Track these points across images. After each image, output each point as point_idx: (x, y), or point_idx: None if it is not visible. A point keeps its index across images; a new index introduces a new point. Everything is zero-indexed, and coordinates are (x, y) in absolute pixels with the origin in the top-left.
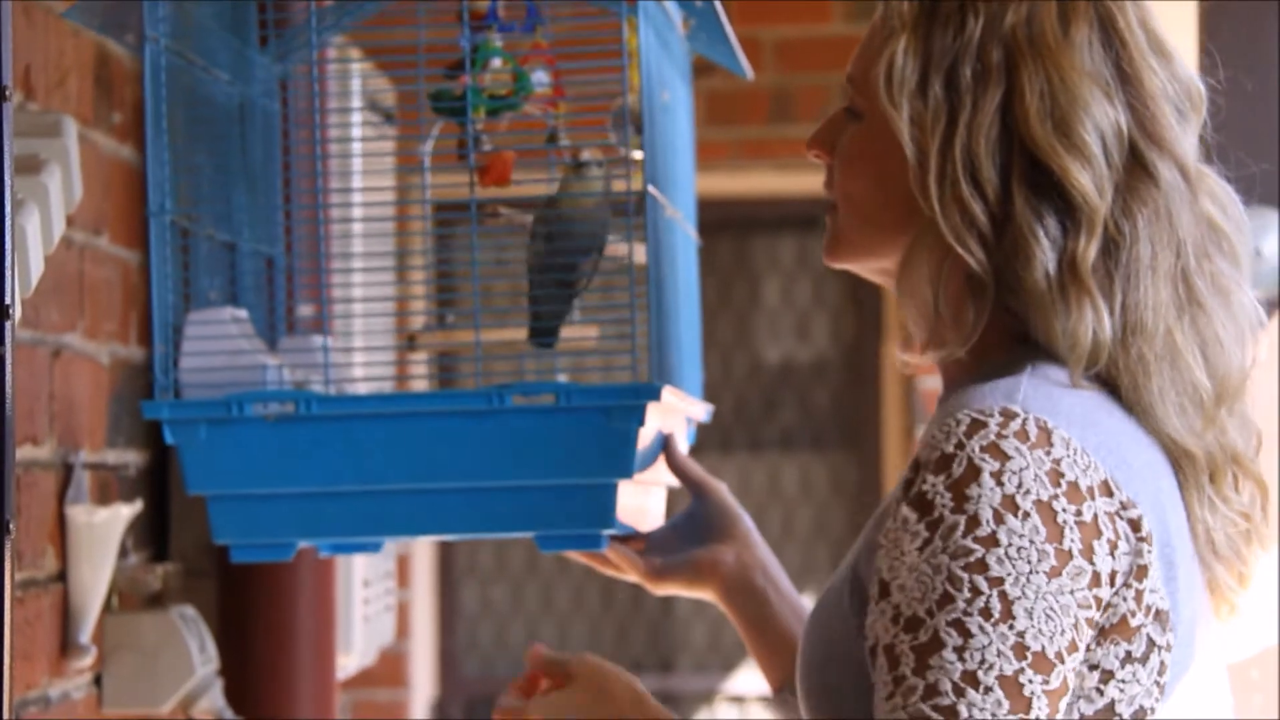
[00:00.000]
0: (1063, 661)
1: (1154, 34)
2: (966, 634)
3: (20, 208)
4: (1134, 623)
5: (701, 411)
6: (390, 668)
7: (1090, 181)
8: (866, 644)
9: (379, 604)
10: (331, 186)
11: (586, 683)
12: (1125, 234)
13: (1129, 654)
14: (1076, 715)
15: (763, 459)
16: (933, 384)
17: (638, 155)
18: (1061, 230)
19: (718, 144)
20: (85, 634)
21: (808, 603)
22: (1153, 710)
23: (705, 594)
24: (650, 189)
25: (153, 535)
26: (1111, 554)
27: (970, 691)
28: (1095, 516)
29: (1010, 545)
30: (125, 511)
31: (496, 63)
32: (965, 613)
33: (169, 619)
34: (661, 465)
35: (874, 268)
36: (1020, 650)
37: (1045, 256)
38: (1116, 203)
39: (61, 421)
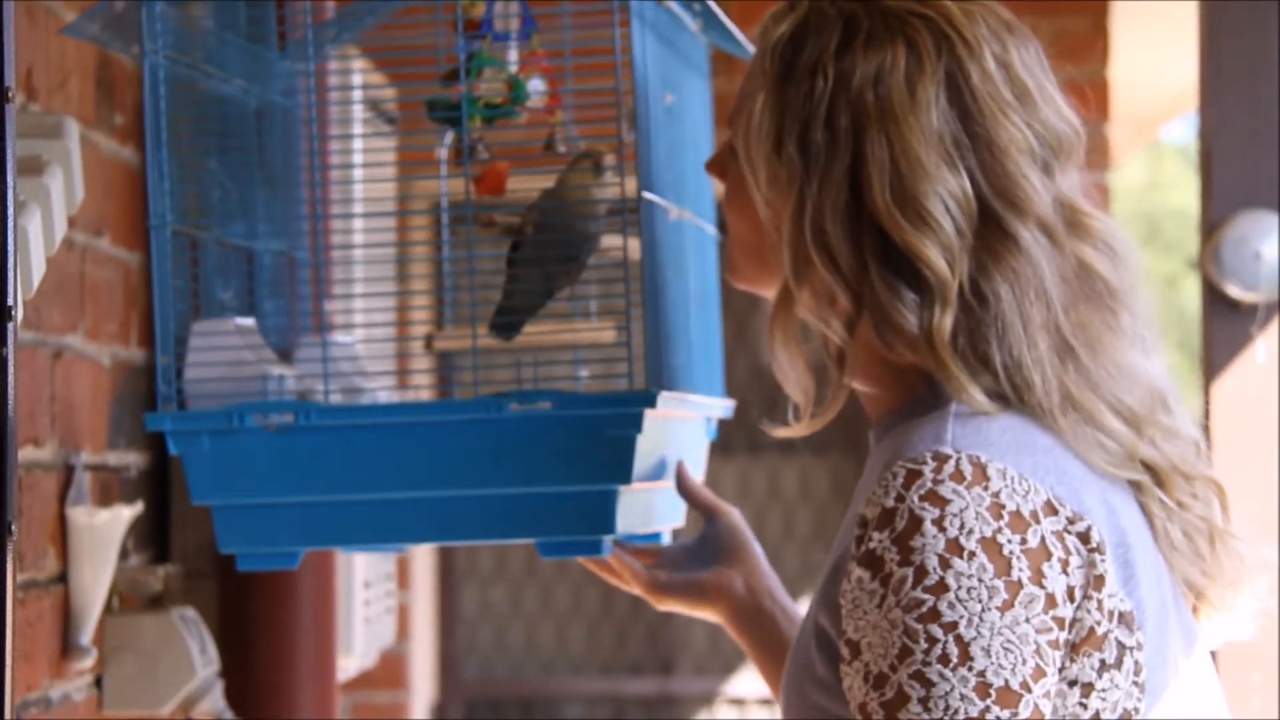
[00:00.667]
0: (1029, 690)
1: (1016, 77)
2: (928, 684)
3: (22, 209)
4: (1100, 631)
5: (720, 409)
6: (390, 670)
7: (938, 254)
8: (851, 706)
9: (379, 606)
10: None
11: None
12: (987, 296)
13: (1103, 662)
14: None
15: (762, 461)
16: None
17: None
18: (918, 299)
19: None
20: (86, 635)
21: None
22: (1137, 711)
23: (707, 614)
24: (646, 194)
25: (153, 537)
26: (1064, 571)
27: None
28: (1042, 539)
29: (960, 588)
30: (126, 513)
31: (491, 71)
32: (924, 663)
33: (169, 621)
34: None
35: (767, 294)
36: (983, 690)
37: (909, 324)
38: (973, 267)
39: (63, 423)
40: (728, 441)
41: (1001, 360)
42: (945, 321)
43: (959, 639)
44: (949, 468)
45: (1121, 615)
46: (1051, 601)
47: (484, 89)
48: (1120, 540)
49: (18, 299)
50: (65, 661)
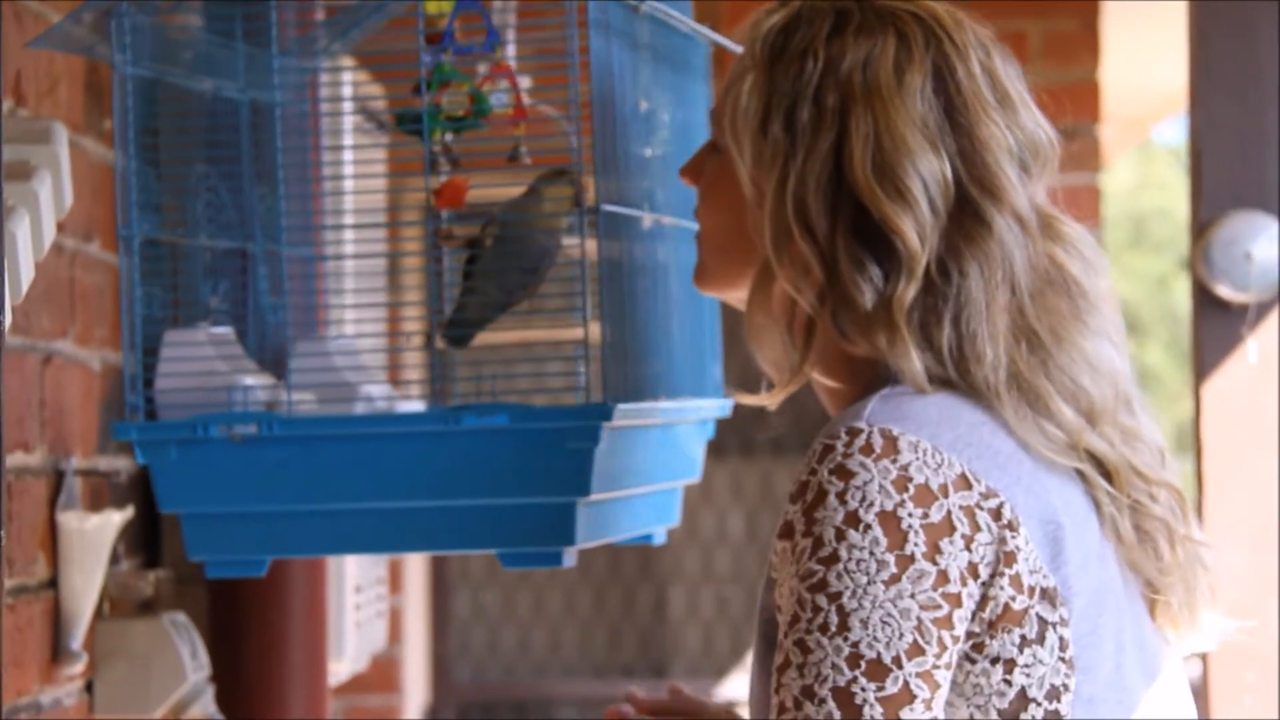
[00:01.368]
0: (900, 666)
1: (1000, 84)
2: (806, 650)
3: (11, 214)
4: (1018, 606)
5: (711, 410)
6: (382, 673)
7: (912, 227)
8: None
9: (371, 610)
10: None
11: None
12: (952, 275)
13: (1024, 638)
14: (993, 713)
15: (755, 463)
16: None
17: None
18: (884, 272)
19: None
20: (77, 641)
21: None
22: (1066, 688)
23: None
24: (605, 206)
25: (144, 542)
26: (968, 547)
27: (807, 705)
28: (948, 513)
29: (850, 559)
30: (116, 518)
31: (455, 84)
32: (806, 630)
33: (160, 625)
34: (666, 467)
35: (737, 297)
36: (854, 660)
37: (864, 298)
38: (943, 246)
39: (52, 428)
40: (720, 444)
41: (953, 338)
42: (908, 294)
43: (840, 609)
44: (859, 441)
45: (1044, 591)
46: (944, 578)
47: (445, 101)
48: (1050, 518)
49: (6, 304)
50: (56, 667)
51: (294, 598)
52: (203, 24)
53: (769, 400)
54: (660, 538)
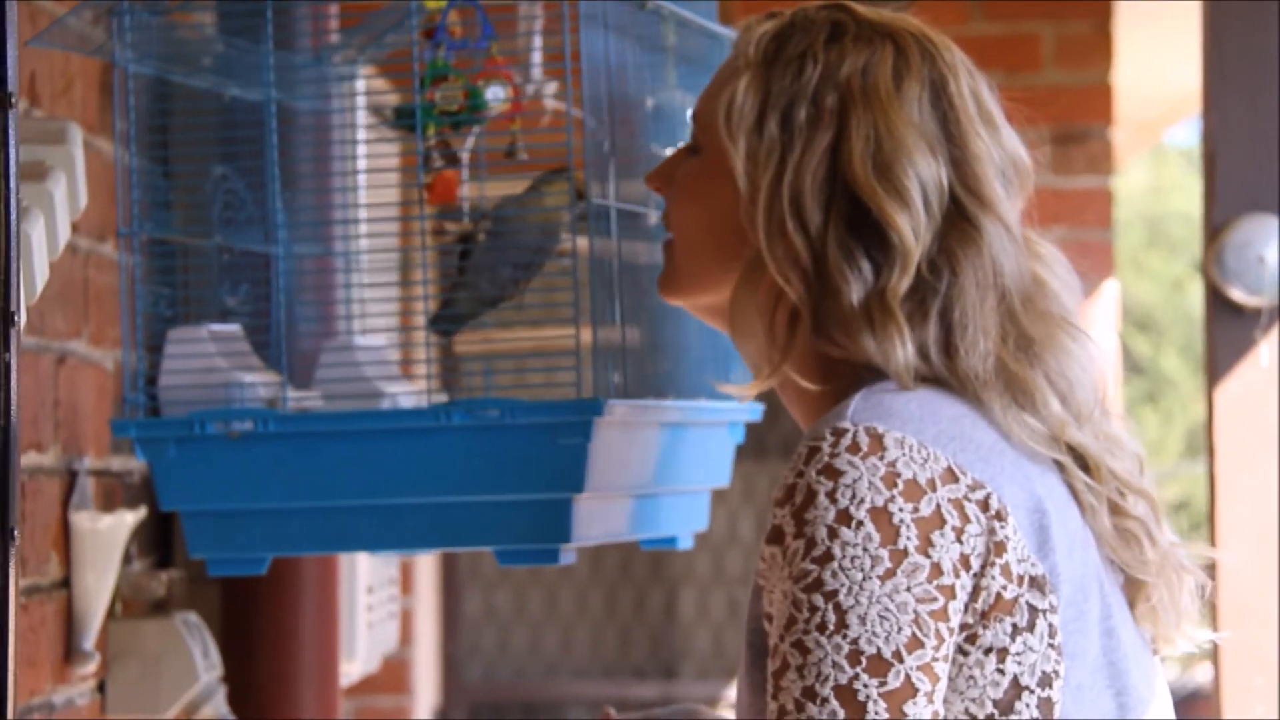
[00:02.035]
0: (901, 660)
1: (984, 106)
2: (805, 651)
3: (25, 215)
4: (1009, 595)
5: (741, 412)
6: (393, 674)
7: (907, 224)
8: None
9: (382, 610)
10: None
11: None
12: (943, 272)
13: (1015, 626)
14: (988, 705)
15: (766, 465)
16: None
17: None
18: (874, 267)
19: None
20: (89, 640)
21: None
22: (1057, 674)
23: None
24: (596, 200)
25: (157, 542)
26: (959, 539)
27: (809, 706)
28: (937, 506)
29: (844, 557)
30: (129, 518)
31: (450, 79)
32: (804, 631)
33: (173, 625)
34: (687, 470)
35: (705, 303)
36: (855, 657)
37: (852, 291)
38: (935, 246)
39: (66, 428)
40: None
41: (940, 332)
42: (901, 285)
43: (837, 607)
44: (845, 440)
45: (1033, 579)
46: (937, 570)
47: (439, 97)
48: (1035, 507)
49: (20, 304)
50: (68, 667)
51: (306, 598)
52: (215, 24)
53: (747, 391)
54: (686, 542)
